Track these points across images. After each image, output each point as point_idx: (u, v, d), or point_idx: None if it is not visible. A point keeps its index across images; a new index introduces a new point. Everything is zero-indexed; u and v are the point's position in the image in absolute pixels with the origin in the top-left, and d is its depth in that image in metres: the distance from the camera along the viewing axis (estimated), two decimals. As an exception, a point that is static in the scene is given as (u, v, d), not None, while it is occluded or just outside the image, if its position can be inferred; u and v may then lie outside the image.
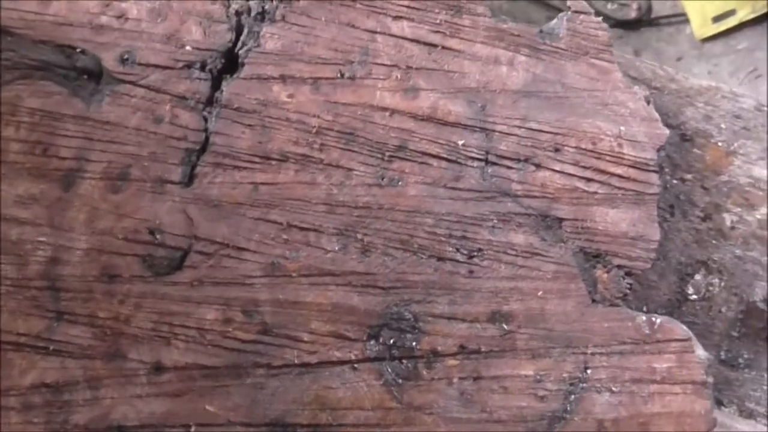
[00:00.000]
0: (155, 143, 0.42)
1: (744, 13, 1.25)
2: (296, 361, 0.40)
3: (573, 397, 0.41)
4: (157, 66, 0.43)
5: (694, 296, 0.48)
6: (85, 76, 0.42)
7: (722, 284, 0.48)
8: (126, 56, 0.43)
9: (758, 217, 0.49)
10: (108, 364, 0.39)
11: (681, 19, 1.30)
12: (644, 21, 1.30)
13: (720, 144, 0.50)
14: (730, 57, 1.28)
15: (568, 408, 0.41)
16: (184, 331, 0.40)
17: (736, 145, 0.50)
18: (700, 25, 1.26)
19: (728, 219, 0.49)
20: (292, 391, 0.40)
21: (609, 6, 1.34)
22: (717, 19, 1.27)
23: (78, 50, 0.43)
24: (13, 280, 0.39)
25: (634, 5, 1.33)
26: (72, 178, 0.41)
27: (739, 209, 0.49)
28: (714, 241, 0.48)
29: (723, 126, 0.50)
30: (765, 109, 0.51)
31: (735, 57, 1.28)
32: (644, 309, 0.45)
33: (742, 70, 1.25)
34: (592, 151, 0.44)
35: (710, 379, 0.41)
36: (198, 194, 0.42)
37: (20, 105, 0.42)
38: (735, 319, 0.49)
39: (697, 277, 0.47)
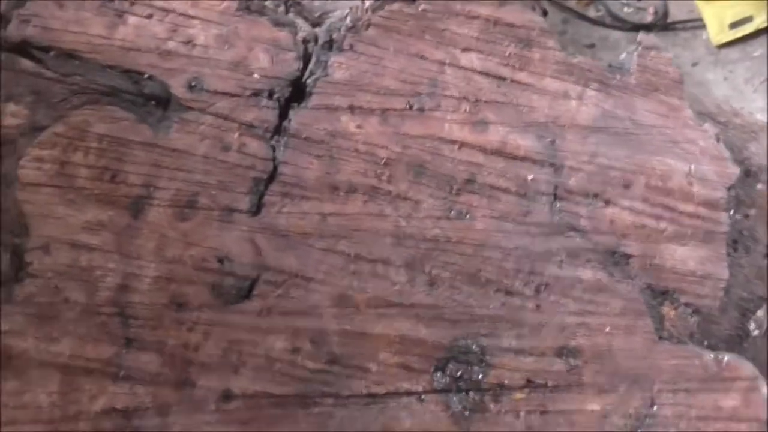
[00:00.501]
0: (223, 171, 0.42)
1: (761, 20, 1.25)
2: (364, 392, 0.40)
3: (639, 434, 0.42)
4: (225, 93, 0.43)
5: (756, 332, 0.48)
6: (153, 102, 0.42)
7: (784, 321, 0.48)
8: (194, 83, 0.43)
9: (820, 254, 0.49)
10: (177, 391, 0.39)
11: (697, 24, 1.30)
12: (660, 25, 1.30)
13: (782, 179, 0.50)
14: (746, 63, 1.28)
15: (635, 445, 0.41)
16: (253, 359, 0.40)
17: (798, 180, 0.50)
18: (717, 31, 1.26)
19: (790, 255, 0.49)
20: (360, 420, 0.40)
21: (625, 10, 1.34)
22: (734, 25, 1.27)
23: (145, 76, 0.43)
24: (83, 305, 0.40)
25: (651, 9, 1.33)
26: (140, 205, 0.41)
27: (800, 245, 0.49)
28: (776, 278, 0.49)
29: (785, 161, 0.50)
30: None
31: (751, 64, 1.27)
32: (705, 344, 0.45)
33: (758, 77, 1.25)
34: (661, 189, 0.44)
35: (776, 418, 0.42)
36: (266, 223, 0.42)
37: (88, 130, 0.42)
38: (796, 357, 0.49)
39: (759, 313, 0.47)
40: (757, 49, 1.28)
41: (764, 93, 1.23)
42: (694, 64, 1.30)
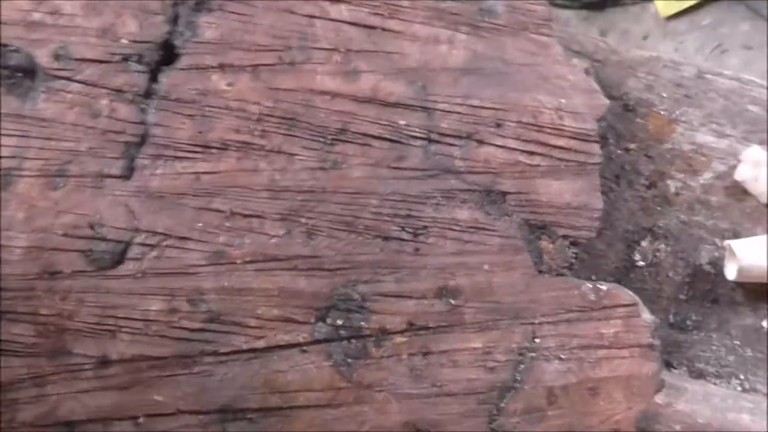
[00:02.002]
0: (93, 138, 0.42)
1: (706, -10, 1.26)
2: (244, 347, 0.40)
3: (522, 366, 0.42)
4: (92, 60, 0.43)
5: (642, 263, 0.48)
6: (19, 74, 0.42)
7: (668, 249, 0.49)
8: (60, 52, 0.43)
9: (702, 182, 0.49)
10: (53, 360, 0.39)
11: (645, -2, 1.32)
12: (609, 1, 1.31)
13: (662, 113, 0.50)
14: (694, 34, 1.29)
15: (518, 378, 0.41)
16: (129, 323, 0.40)
17: (678, 112, 0.51)
18: (665, 3, 1.27)
19: (672, 186, 0.50)
20: (241, 376, 0.40)
21: (573, -13, 1.35)
22: (681, -4, 1.28)
23: (11, 48, 0.43)
24: (-46, 281, 0.39)
25: (598, -15, 1.34)
26: (9, 177, 0.41)
27: (683, 176, 0.50)
28: (659, 208, 0.49)
29: (665, 95, 0.50)
30: (707, 76, 0.51)
31: (699, 33, 1.29)
32: (593, 278, 0.45)
33: (707, 45, 1.26)
34: (533, 125, 0.44)
35: (657, 342, 0.42)
36: (139, 186, 0.41)
37: (-46, 105, 0.41)
38: (682, 283, 0.49)
39: (644, 243, 0.48)
40: (704, 18, 1.30)
41: (715, 61, 1.24)
42: (645, 38, 1.32)
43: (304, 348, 0.41)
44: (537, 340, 0.42)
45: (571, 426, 0.42)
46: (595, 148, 0.44)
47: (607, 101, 0.44)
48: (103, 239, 0.41)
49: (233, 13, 0.44)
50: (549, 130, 0.44)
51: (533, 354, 0.42)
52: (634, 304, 0.42)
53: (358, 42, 0.44)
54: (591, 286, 0.42)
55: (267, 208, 0.42)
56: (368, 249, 0.42)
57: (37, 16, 0.43)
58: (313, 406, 0.40)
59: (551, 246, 0.43)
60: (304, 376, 0.40)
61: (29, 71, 0.42)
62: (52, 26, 0.43)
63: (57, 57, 0.42)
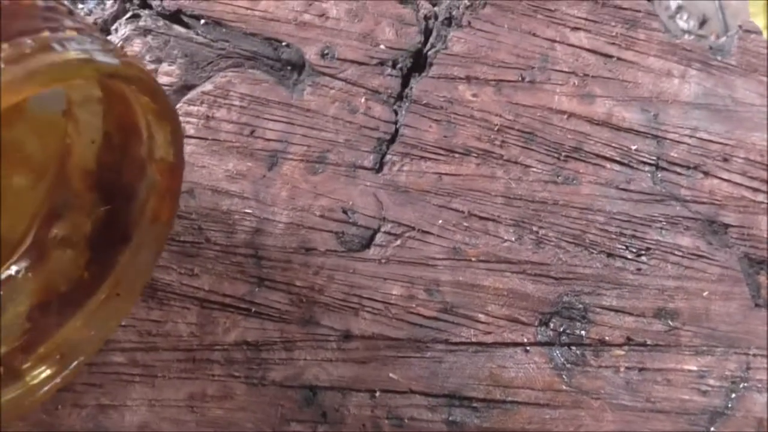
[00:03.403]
0: (350, 131, 0.46)
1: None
2: (473, 340, 0.43)
3: (734, 395, 0.43)
4: (353, 61, 0.47)
5: None
6: (289, 68, 0.47)
7: None
8: (326, 51, 0.47)
9: None
10: (302, 328, 0.43)
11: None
12: None
13: None
14: None
15: (729, 405, 0.43)
16: (372, 303, 0.43)
17: None
18: None
19: None
20: (468, 367, 0.43)
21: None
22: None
23: (284, 44, 0.48)
24: (222, 246, 0.44)
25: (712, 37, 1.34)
26: (276, 158, 0.45)
27: None
28: None
29: None
30: None
31: None
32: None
33: None
34: (760, 163, 0.46)
35: None
36: (387, 180, 0.45)
37: (232, 90, 0.46)
38: None
39: None
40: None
41: None
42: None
43: (527, 348, 0.44)
44: (750, 372, 0.44)
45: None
46: (822, 192, 0.45)
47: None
48: (355, 224, 0.45)
49: (480, 30, 0.48)
50: (775, 170, 0.46)
51: (746, 384, 0.43)
52: None
53: (595, 68, 0.47)
54: (808, 325, 0.44)
55: (501, 213, 0.45)
56: (593, 263, 0.45)
57: (307, 17, 0.48)
58: (533, 404, 0.43)
59: (769, 282, 0.45)
60: (526, 374, 0.43)
61: (298, 66, 0.47)
62: (320, 27, 0.47)
63: (323, 55, 0.47)
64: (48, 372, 0.38)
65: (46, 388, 0.38)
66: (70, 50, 0.29)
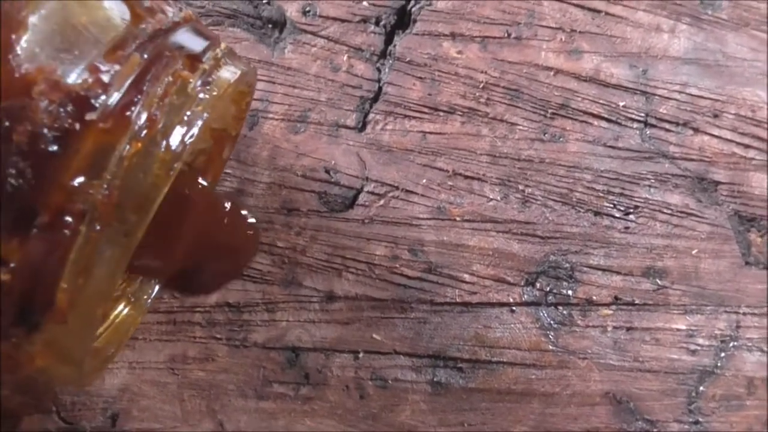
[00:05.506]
0: (332, 90, 0.45)
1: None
2: (458, 300, 0.43)
3: (724, 354, 0.43)
4: (335, 19, 0.46)
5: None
6: (270, 26, 0.46)
7: None
8: (308, 8, 0.46)
9: None
10: (284, 289, 0.42)
11: None
12: None
13: None
14: None
15: (719, 364, 0.42)
16: (355, 264, 0.43)
17: None
18: None
19: None
20: (453, 327, 0.42)
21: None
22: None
23: (264, 1, 0.47)
24: (202, 207, 0.43)
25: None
26: (256, 117, 0.44)
27: None
28: None
29: None
30: None
31: None
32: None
33: None
34: (751, 119, 0.45)
35: None
36: (370, 139, 0.44)
37: (211, 49, 0.45)
38: None
39: None
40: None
41: None
42: None
43: (513, 308, 0.43)
44: (740, 330, 0.43)
45: None
46: (814, 147, 0.44)
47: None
48: (337, 184, 0.44)
49: (465, -14, 0.47)
50: (766, 126, 0.45)
51: (735, 343, 0.43)
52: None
53: (582, 23, 0.46)
54: (799, 282, 0.43)
55: (487, 171, 0.44)
56: (580, 222, 0.44)
57: (287, -26, 0.47)
58: (519, 364, 0.42)
59: (760, 239, 0.44)
60: (512, 334, 0.42)
61: (279, 23, 0.46)
62: (300, -15, 0.47)
63: (305, 12, 0.46)
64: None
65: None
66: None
